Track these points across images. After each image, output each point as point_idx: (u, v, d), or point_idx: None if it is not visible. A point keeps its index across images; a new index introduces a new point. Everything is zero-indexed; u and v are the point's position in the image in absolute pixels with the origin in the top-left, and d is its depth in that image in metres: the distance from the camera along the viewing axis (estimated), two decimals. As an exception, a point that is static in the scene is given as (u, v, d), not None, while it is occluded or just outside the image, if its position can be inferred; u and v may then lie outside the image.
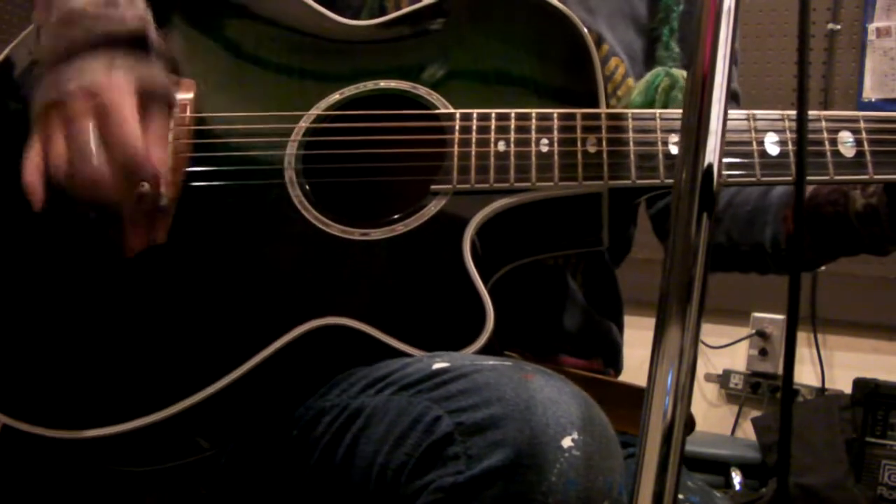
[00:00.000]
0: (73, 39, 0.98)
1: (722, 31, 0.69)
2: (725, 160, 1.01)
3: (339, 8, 1.16)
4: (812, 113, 1.03)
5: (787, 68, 2.68)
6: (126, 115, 0.95)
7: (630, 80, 1.20)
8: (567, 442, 0.78)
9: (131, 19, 1.00)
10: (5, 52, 1.15)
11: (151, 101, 0.99)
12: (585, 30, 1.08)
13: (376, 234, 1.01)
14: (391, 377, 0.91)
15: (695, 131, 0.69)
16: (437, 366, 0.88)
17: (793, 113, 1.02)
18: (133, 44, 0.99)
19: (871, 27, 2.60)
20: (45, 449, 0.99)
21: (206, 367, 0.97)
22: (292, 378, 0.99)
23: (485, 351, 0.94)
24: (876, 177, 1.01)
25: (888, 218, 1.07)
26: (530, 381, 0.82)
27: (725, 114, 0.69)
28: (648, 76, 1.14)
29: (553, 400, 0.80)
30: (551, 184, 1.02)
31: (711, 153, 0.68)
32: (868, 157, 1.01)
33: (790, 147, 1.02)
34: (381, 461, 0.84)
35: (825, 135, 1.02)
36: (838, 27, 2.63)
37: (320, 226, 1.03)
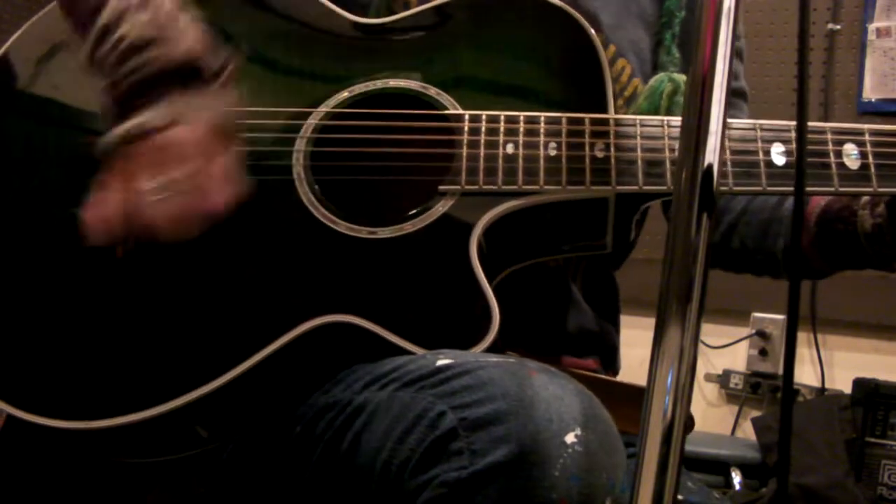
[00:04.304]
0: (128, 76, 0.95)
1: (722, 31, 0.69)
2: (732, 170, 1.02)
3: (348, 6, 1.16)
4: (818, 125, 1.04)
5: (787, 68, 2.67)
6: (189, 158, 0.93)
7: (636, 81, 1.20)
8: (570, 438, 0.78)
9: (182, 45, 0.96)
10: (4, 47, 1.15)
11: (214, 134, 0.96)
12: (593, 31, 1.08)
13: (384, 232, 1.02)
14: (395, 373, 0.91)
15: (695, 131, 0.69)
16: (440, 362, 0.88)
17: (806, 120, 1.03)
18: (188, 71, 0.96)
19: (871, 27, 2.59)
20: (51, 440, 1.00)
21: (211, 362, 0.97)
22: (297, 374, 0.99)
23: (489, 351, 0.94)
24: (880, 189, 1.02)
25: (893, 238, 1.07)
26: (534, 377, 0.82)
27: (725, 114, 0.69)
28: (653, 82, 1.16)
29: (557, 396, 0.80)
30: (559, 187, 1.02)
31: (711, 153, 0.68)
32: (872, 170, 1.02)
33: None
34: (384, 457, 0.85)
35: (830, 146, 1.03)
36: (838, 27, 2.62)
37: (328, 223, 1.03)
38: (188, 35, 0.98)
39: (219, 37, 1.10)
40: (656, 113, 1.12)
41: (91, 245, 0.95)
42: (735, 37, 1.29)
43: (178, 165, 0.93)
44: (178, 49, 0.96)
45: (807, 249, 1.15)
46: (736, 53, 1.29)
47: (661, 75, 1.16)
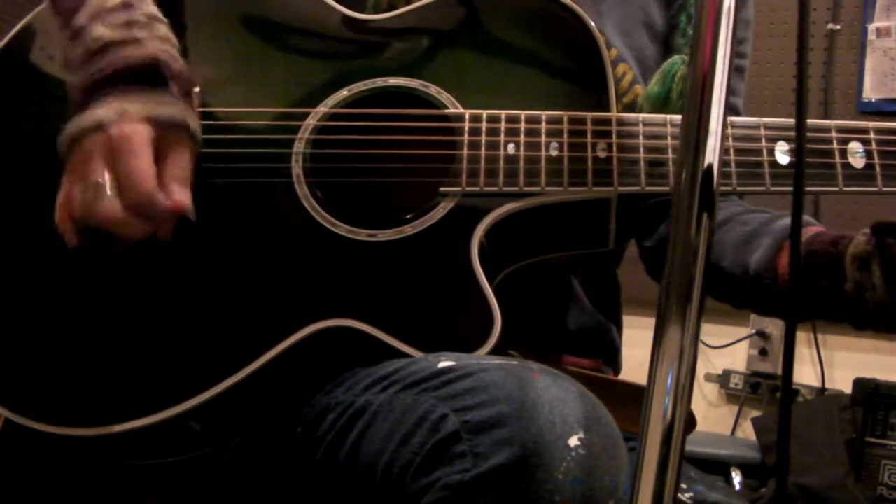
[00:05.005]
0: (93, 74, 0.95)
1: (722, 32, 0.69)
2: (735, 170, 1.01)
3: (345, 1, 1.14)
4: (822, 122, 1.02)
5: (787, 68, 2.67)
6: (136, 153, 0.91)
7: (638, 88, 1.19)
8: (573, 441, 0.78)
9: (148, 47, 0.96)
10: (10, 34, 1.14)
11: (168, 133, 0.94)
12: (593, 24, 1.07)
13: (384, 235, 1.01)
14: (396, 375, 0.91)
15: (695, 131, 0.68)
16: (442, 364, 0.88)
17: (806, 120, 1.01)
18: (150, 74, 0.95)
19: (871, 27, 2.59)
20: (48, 442, 0.99)
21: (211, 369, 0.97)
22: (297, 378, 0.99)
23: (491, 353, 0.94)
24: (885, 189, 1.00)
25: (881, 268, 0.99)
26: (537, 379, 0.82)
27: (725, 114, 0.69)
28: (665, 65, 1.14)
29: (559, 399, 0.80)
30: (561, 188, 1.01)
31: (711, 153, 0.68)
32: (878, 170, 1.00)
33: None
34: (386, 459, 0.85)
35: (835, 145, 1.01)
36: (838, 27, 2.62)
37: (327, 225, 1.02)
38: (155, 40, 0.97)
39: (215, 37, 1.08)
40: (668, 96, 1.11)
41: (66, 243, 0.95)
42: (740, 55, 1.27)
43: (131, 159, 0.91)
44: (143, 51, 0.95)
45: (783, 285, 1.08)
46: (737, 69, 1.28)
47: (674, 57, 1.15)
